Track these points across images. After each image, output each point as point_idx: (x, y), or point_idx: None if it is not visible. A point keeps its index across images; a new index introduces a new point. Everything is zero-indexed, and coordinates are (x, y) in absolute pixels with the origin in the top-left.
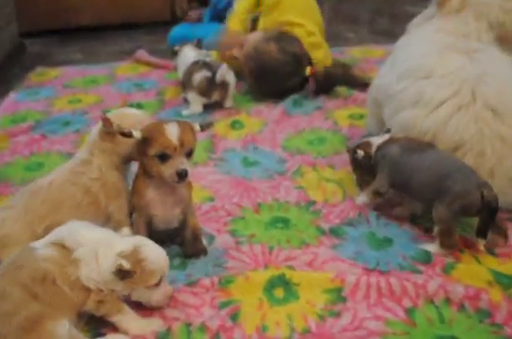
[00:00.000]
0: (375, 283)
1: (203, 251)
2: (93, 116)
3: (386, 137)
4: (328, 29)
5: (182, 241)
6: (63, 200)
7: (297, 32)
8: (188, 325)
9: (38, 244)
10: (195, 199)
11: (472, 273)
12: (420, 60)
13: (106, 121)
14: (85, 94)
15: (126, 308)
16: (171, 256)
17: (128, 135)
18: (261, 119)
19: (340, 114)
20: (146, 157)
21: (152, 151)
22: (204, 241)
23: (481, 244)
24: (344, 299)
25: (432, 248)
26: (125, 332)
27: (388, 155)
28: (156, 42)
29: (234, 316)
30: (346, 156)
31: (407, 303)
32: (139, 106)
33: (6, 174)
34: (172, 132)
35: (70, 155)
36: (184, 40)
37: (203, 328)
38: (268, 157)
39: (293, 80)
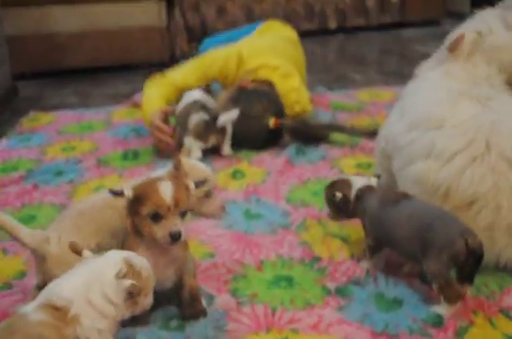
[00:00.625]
0: None
1: (202, 313)
2: (87, 165)
3: (369, 179)
4: (335, 70)
5: (179, 302)
6: (105, 221)
7: (268, 75)
8: None
9: (28, 308)
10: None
11: (487, 338)
12: (430, 109)
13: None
14: (79, 141)
15: None
16: (168, 318)
17: (119, 194)
18: (263, 168)
19: (346, 163)
20: (138, 217)
21: (145, 210)
22: (203, 302)
23: (468, 289)
24: None
25: (442, 310)
26: None
27: (367, 209)
28: None
29: None
30: None
31: None
32: (136, 154)
33: None
34: (166, 191)
35: (62, 207)
36: None
37: None
38: (271, 210)
39: (262, 136)
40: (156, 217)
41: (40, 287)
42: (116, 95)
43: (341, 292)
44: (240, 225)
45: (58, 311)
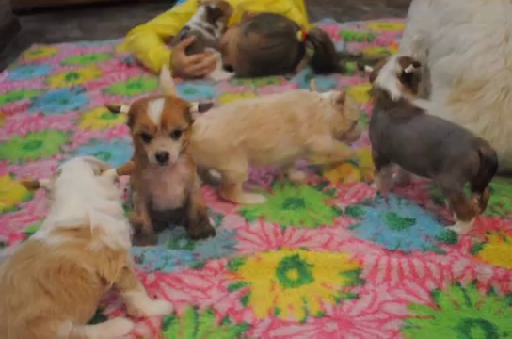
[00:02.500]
0: (396, 265)
1: (211, 232)
2: (92, 94)
3: (405, 67)
4: (343, 2)
5: (187, 222)
6: (265, 121)
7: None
8: (195, 308)
9: (40, 235)
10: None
11: (502, 254)
12: (462, 4)
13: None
14: (83, 69)
15: (141, 286)
16: (177, 237)
17: (115, 110)
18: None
19: (356, 90)
20: (133, 136)
21: (135, 129)
22: (212, 221)
23: (475, 198)
24: (362, 282)
25: (456, 228)
26: (134, 311)
27: (377, 123)
28: None
29: (245, 299)
30: (365, 134)
31: (430, 286)
32: (140, 82)
33: (3, 153)
34: (154, 110)
35: (69, 133)
36: None
37: (212, 311)
38: None
39: (294, 53)
40: (145, 138)
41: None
42: (120, 29)
43: (351, 212)
44: None
45: (77, 230)
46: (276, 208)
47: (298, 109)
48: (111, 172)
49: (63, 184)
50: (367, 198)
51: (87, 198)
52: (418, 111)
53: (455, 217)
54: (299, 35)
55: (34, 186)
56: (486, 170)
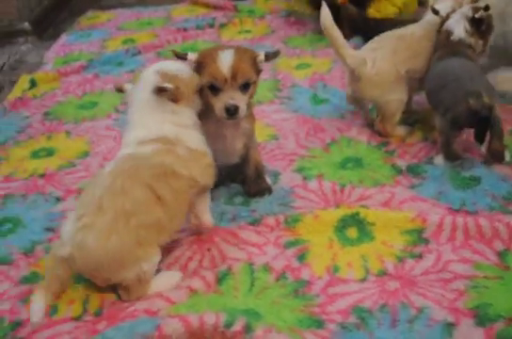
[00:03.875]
0: (461, 224)
1: (267, 190)
2: (147, 56)
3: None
4: None
5: (244, 180)
6: (421, 51)
7: None
8: (251, 264)
9: (129, 150)
10: (258, 137)
11: None
12: None
13: None
14: (139, 34)
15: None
16: (233, 194)
17: (182, 56)
18: (329, 58)
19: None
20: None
21: (203, 80)
22: (268, 179)
23: (482, 147)
24: (425, 241)
25: (437, 160)
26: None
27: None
28: None
29: (302, 257)
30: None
31: (498, 246)
32: (195, 45)
33: (59, 113)
34: (225, 61)
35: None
36: None
37: (267, 267)
38: (339, 96)
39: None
40: (214, 89)
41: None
42: None
43: (412, 171)
44: (306, 110)
45: (160, 141)
46: (334, 167)
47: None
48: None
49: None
50: (429, 157)
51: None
52: (456, 54)
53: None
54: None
55: (119, 90)
56: (476, 122)
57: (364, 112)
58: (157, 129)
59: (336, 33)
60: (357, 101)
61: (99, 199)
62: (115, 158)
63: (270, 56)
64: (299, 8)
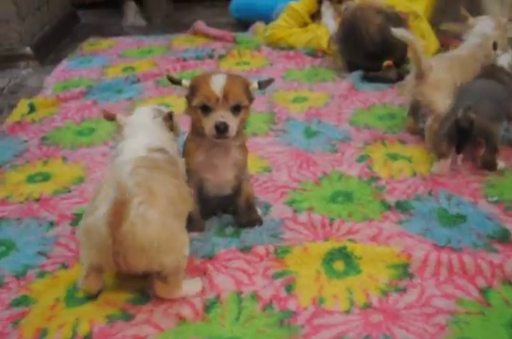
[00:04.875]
0: (445, 261)
1: (258, 221)
2: (146, 85)
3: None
4: None
5: (234, 210)
6: (468, 69)
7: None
8: (239, 293)
9: (141, 153)
10: (251, 169)
11: None
12: None
13: None
14: (139, 62)
15: None
16: (224, 225)
17: (177, 82)
18: (325, 92)
19: None
20: (192, 109)
21: (195, 101)
22: (259, 211)
23: (459, 158)
24: (410, 276)
25: (500, 165)
26: None
27: None
28: (216, 16)
29: (289, 287)
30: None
31: (481, 283)
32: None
33: (56, 138)
34: (217, 83)
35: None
36: (248, 11)
37: (255, 296)
38: (333, 130)
39: (376, 45)
40: (205, 110)
41: (414, 107)
42: (176, 24)
43: (401, 207)
44: (300, 143)
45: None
46: (324, 201)
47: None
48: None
49: (134, 123)
50: (418, 194)
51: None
52: (489, 77)
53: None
54: (385, 63)
55: (111, 118)
56: (458, 132)
57: (415, 120)
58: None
59: (418, 45)
60: (414, 107)
61: (144, 184)
62: (126, 160)
63: (263, 85)
64: (338, 64)
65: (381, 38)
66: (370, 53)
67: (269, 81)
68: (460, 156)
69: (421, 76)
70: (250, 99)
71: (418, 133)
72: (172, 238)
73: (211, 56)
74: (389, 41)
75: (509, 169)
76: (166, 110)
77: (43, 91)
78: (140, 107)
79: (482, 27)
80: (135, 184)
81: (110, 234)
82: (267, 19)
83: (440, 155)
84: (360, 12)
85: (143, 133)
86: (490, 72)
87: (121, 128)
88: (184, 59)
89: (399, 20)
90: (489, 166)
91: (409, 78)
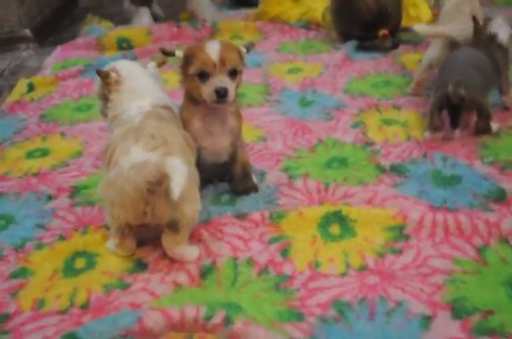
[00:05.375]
0: (441, 221)
1: (254, 188)
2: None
3: None
4: None
5: (230, 178)
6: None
7: None
8: (235, 259)
9: (147, 107)
10: (247, 138)
11: None
12: None
13: None
14: (133, 32)
15: None
16: (219, 193)
17: (170, 53)
18: (320, 63)
19: (409, 58)
20: (188, 78)
21: (192, 69)
22: (255, 178)
23: (456, 133)
24: (406, 237)
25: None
26: None
27: None
28: None
29: (285, 252)
30: (414, 98)
31: (477, 242)
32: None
33: (55, 115)
34: (212, 49)
35: None
36: None
37: (251, 262)
38: (328, 99)
39: (373, 15)
40: (203, 76)
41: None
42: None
43: (395, 170)
44: (295, 112)
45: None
46: (319, 167)
47: None
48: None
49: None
50: (412, 157)
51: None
52: (480, 47)
53: None
54: (381, 32)
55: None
56: (449, 107)
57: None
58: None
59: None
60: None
61: (159, 134)
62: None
63: (249, 48)
64: (332, 36)
65: (377, 7)
66: (366, 22)
67: (252, 44)
68: (457, 132)
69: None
70: (243, 64)
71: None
72: (192, 187)
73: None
74: (385, 10)
75: (504, 130)
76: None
77: (43, 71)
78: (122, 61)
79: None
80: (150, 135)
81: (143, 185)
82: None
83: (435, 129)
84: None
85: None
86: (479, 40)
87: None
88: (178, 26)
89: None
90: (484, 132)
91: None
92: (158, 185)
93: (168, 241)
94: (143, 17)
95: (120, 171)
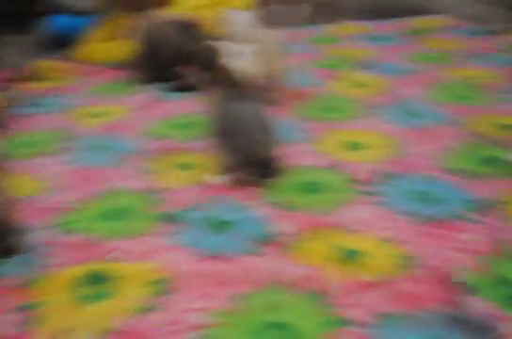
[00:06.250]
0: (205, 271)
1: (13, 250)
2: None
3: None
4: None
5: None
6: None
7: None
8: None
9: None
10: (26, 191)
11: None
12: None
13: None
14: None
15: None
16: None
17: None
18: (124, 106)
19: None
20: None
21: None
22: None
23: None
24: (166, 292)
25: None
26: None
27: None
28: None
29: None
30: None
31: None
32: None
33: None
34: None
35: None
36: None
37: None
38: (125, 144)
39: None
40: None
41: None
42: None
43: (175, 218)
44: (88, 159)
45: None
46: (93, 219)
47: None
48: None
49: None
50: (196, 203)
51: None
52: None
53: None
54: None
55: None
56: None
57: None
58: None
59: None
60: None
61: None
62: None
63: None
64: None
65: (177, 47)
66: (169, 63)
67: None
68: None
69: None
70: None
71: None
72: None
73: None
74: (185, 50)
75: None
76: None
77: None
78: None
79: None
80: None
81: None
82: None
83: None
84: (153, 28)
85: None
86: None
87: None
88: None
89: (191, 26)
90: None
91: None
92: None
93: None
94: None
95: None
